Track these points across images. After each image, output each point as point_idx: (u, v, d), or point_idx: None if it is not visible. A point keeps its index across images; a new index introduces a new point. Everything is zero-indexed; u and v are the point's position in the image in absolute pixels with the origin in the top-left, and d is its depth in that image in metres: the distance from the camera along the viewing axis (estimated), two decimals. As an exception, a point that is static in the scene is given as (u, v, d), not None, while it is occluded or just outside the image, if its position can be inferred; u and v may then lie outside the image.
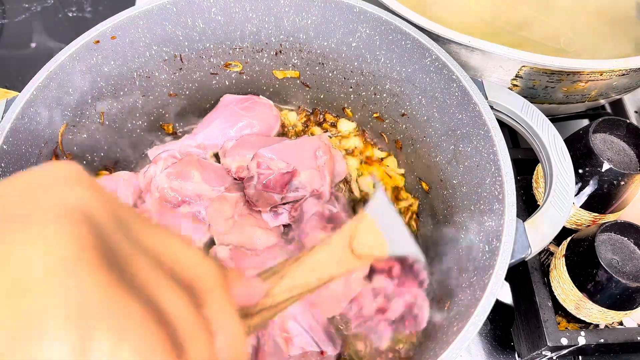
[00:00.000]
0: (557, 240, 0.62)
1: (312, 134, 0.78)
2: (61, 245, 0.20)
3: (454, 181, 0.63)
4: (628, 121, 0.64)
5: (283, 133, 0.78)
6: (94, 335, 0.19)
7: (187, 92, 0.74)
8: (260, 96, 0.77)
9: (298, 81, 0.76)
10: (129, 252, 0.23)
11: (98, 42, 0.62)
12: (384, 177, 0.75)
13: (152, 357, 0.20)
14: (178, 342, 0.22)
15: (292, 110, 0.80)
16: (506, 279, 0.48)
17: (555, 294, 0.62)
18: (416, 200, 0.73)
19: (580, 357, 0.64)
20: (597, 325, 0.62)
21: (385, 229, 0.48)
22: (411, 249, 0.50)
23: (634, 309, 0.58)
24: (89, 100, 0.64)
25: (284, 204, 0.68)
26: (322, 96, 0.77)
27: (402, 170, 0.75)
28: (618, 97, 0.75)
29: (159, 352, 0.21)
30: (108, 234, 0.22)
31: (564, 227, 0.53)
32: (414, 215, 0.73)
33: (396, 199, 0.74)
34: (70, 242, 0.20)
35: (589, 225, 0.66)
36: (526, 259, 0.51)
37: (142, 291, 0.22)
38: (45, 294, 0.19)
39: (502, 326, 0.70)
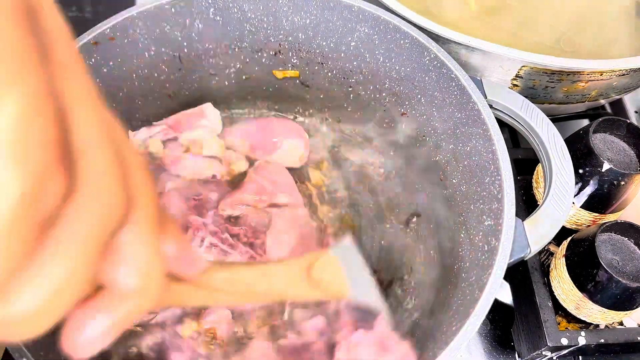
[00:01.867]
0: (557, 240, 0.62)
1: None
2: None
3: (454, 180, 0.63)
4: (628, 121, 0.64)
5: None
6: None
7: (187, 93, 0.74)
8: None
9: (297, 81, 0.76)
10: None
11: (96, 43, 0.62)
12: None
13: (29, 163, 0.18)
14: (71, 172, 0.20)
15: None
16: (506, 279, 0.48)
17: (556, 294, 0.62)
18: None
19: (580, 357, 0.63)
20: (597, 326, 0.62)
21: (349, 274, 0.47)
22: (373, 299, 0.49)
23: (635, 309, 0.57)
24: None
25: None
26: (321, 96, 0.77)
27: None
28: (618, 97, 0.74)
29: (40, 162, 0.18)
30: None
31: (564, 227, 0.53)
32: (414, 216, 0.72)
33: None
34: None
35: (589, 225, 0.66)
36: (525, 259, 0.51)
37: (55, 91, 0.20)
38: None
39: (502, 326, 0.69)
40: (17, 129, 0.17)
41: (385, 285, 0.66)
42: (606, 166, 0.60)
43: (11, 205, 0.17)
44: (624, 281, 0.55)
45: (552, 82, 0.66)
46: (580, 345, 0.59)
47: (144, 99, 0.70)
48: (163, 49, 0.68)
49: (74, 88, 0.21)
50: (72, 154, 0.20)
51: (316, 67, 0.73)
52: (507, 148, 0.55)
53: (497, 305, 0.47)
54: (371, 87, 0.71)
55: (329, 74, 0.73)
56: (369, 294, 0.49)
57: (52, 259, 0.19)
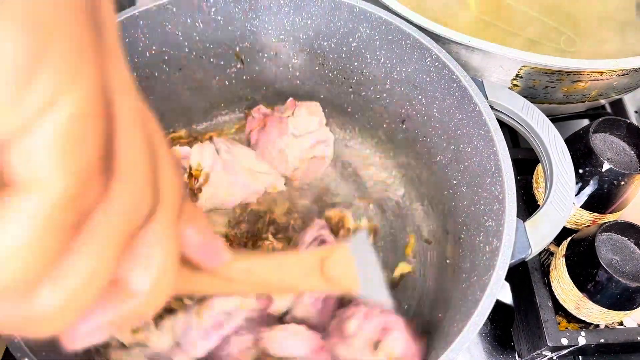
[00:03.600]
0: (557, 241, 0.62)
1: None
2: None
3: (454, 181, 0.63)
4: (628, 121, 0.64)
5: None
6: (43, 64, 0.16)
7: (188, 93, 0.74)
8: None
9: (297, 81, 0.76)
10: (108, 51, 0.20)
11: (98, 42, 0.61)
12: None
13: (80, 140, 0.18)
14: (110, 170, 0.20)
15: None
16: (506, 279, 0.48)
17: (556, 294, 0.62)
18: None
19: (580, 357, 0.64)
20: (597, 326, 0.62)
21: (361, 269, 0.48)
22: (382, 296, 0.49)
23: (634, 309, 0.58)
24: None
25: None
26: (322, 96, 0.77)
27: (402, 170, 0.75)
28: (618, 97, 0.75)
29: (86, 152, 0.18)
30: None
31: (564, 227, 0.53)
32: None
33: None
34: None
35: (589, 225, 0.66)
36: (526, 259, 0.51)
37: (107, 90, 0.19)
38: None
39: (502, 326, 0.70)
40: (71, 128, 0.17)
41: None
42: (606, 166, 0.61)
43: (53, 204, 0.17)
44: (623, 281, 0.55)
45: (552, 82, 0.66)
46: (580, 345, 0.60)
47: (144, 99, 0.70)
48: (164, 49, 0.68)
49: (117, 77, 0.20)
50: (112, 148, 0.20)
51: (317, 68, 0.73)
52: (507, 148, 0.55)
53: (497, 305, 0.47)
54: (372, 88, 0.71)
55: (330, 75, 0.73)
56: (379, 292, 0.49)
57: (79, 258, 0.19)
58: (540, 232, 0.51)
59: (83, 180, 0.18)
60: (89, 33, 0.18)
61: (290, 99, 0.73)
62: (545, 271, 0.65)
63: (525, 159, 0.75)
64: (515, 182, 0.53)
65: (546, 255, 0.67)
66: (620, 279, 0.55)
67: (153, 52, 0.67)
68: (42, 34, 0.16)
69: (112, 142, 0.20)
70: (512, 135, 0.81)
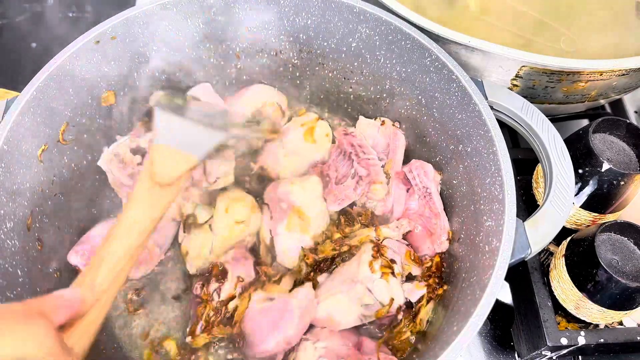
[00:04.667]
0: (557, 240, 0.62)
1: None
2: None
3: (454, 181, 0.63)
4: (628, 121, 0.64)
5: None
6: None
7: (188, 92, 0.74)
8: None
9: (298, 81, 0.76)
10: None
11: (98, 42, 0.62)
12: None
13: None
14: None
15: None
16: (506, 279, 0.48)
17: (555, 293, 0.62)
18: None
19: (580, 356, 0.64)
20: (597, 325, 0.62)
21: (182, 141, 0.50)
22: (218, 137, 0.52)
23: (634, 308, 0.58)
24: (89, 100, 0.64)
25: None
26: (322, 96, 0.77)
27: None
28: (618, 97, 0.75)
29: None
30: None
31: (563, 227, 0.53)
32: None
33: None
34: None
35: (588, 225, 0.66)
36: (526, 259, 0.51)
37: None
38: None
39: (502, 326, 0.70)
40: None
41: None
42: (606, 166, 0.61)
43: None
44: (623, 281, 0.55)
45: (552, 82, 0.66)
46: (579, 345, 0.60)
47: (144, 97, 0.70)
48: (165, 49, 0.68)
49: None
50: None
51: (317, 68, 0.73)
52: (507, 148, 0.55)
53: (497, 305, 0.47)
54: (372, 88, 0.71)
55: (330, 75, 0.73)
56: (212, 139, 0.52)
57: None
58: (540, 231, 0.51)
59: None
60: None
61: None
62: (545, 271, 0.65)
63: (525, 159, 0.75)
64: (515, 182, 0.53)
65: (546, 255, 0.67)
66: (619, 279, 0.55)
67: (153, 52, 0.67)
68: None
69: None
70: (512, 136, 0.81)
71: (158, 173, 0.48)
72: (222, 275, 0.61)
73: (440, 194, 0.66)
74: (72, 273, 0.62)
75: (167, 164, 0.49)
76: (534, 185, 0.70)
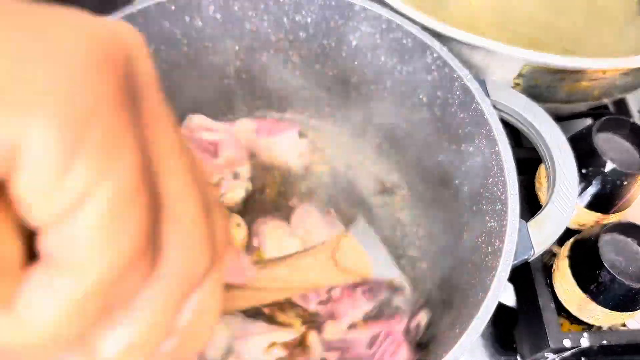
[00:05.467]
0: (560, 241, 0.61)
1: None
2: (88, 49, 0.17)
3: (456, 181, 0.63)
4: (632, 120, 0.64)
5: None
6: (80, 154, 0.16)
7: (186, 92, 0.73)
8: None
9: (297, 80, 0.75)
10: (150, 118, 0.20)
11: (96, 40, 0.61)
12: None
13: (122, 229, 0.17)
14: (157, 242, 0.19)
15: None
16: (508, 280, 0.48)
17: (558, 295, 0.62)
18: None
19: (583, 358, 0.63)
20: (600, 327, 0.62)
21: (369, 253, 0.49)
22: (394, 273, 0.51)
23: (638, 310, 0.57)
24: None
25: None
26: (322, 95, 0.76)
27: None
28: (621, 96, 0.74)
29: (131, 227, 0.18)
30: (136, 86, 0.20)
31: (567, 228, 0.53)
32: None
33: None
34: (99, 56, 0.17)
35: (592, 226, 0.65)
36: (529, 260, 0.51)
37: (151, 166, 0.19)
38: (50, 83, 0.16)
39: (504, 327, 0.69)
40: (112, 212, 0.17)
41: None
42: (609, 166, 0.60)
43: (90, 288, 0.17)
44: (627, 282, 0.54)
45: (555, 81, 0.66)
46: (582, 346, 0.59)
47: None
48: (163, 47, 0.67)
49: (162, 143, 0.21)
50: (160, 213, 0.20)
51: (317, 66, 0.73)
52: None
53: (499, 306, 0.47)
54: (372, 87, 0.71)
55: (330, 73, 0.73)
56: (391, 271, 0.50)
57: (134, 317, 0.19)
58: (543, 232, 0.51)
59: (126, 261, 0.18)
60: (127, 113, 0.18)
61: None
62: (547, 272, 0.64)
63: (528, 159, 0.74)
64: (518, 182, 0.52)
65: (549, 256, 0.67)
66: (623, 280, 0.54)
67: (151, 50, 0.66)
68: (78, 126, 0.16)
69: (161, 214, 0.20)
70: (515, 135, 0.81)
71: (339, 255, 0.47)
72: None
73: (441, 194, 0.66)
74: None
75: (348, 254, 0.48)
76: (537, 185, 0.69)
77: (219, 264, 0.23)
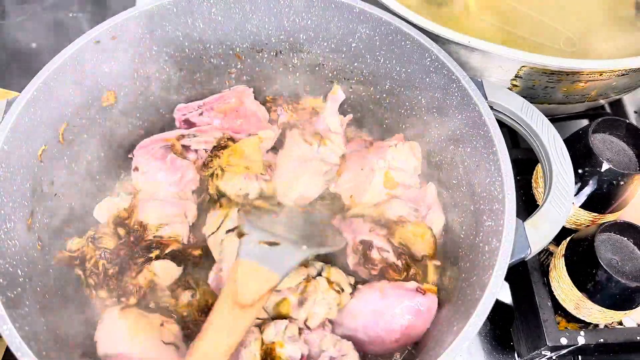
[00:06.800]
0: (557, 240, 0.62)
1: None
2: None
3: (454, 181, 0.63)
4: (627, 121, 0.64)
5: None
6: None
7: (187, 93, 0.74)
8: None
9: (298, 81, 0.76)
10: None
11: (98, 42, 0.62)
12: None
13: None
14: None
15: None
16: (506, 279, 0.48)
17: (555, 293, 0.62)
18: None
19: (579, 356, 0.64)
20: (596, 325, 0.62)
21: (267, 257, 0.49)
22: (299, 257, 0.51)
23: (634, 308, 0.58)
24: (90, 100, 0.64)
25: None
26: (321, 97, 0.77)
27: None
28: (618, 97, 0.75)
29: None
30: None
31: (563, 227, 0.53)
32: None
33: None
34: None
35: (588, 225, 0.66)
36: (526, 259, 0.51)
37: None
38: None
39: (501, 326, 0.70)
40: None
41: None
42: (605, 166, 0.61)
43: None
44: (623, 281, 0.55)
45: (552, 82, 0.66)
46: (579, 344, 0.60)
47: (144, 98, 0.70)
48: (165, 49, 0.68)
49: None
50: None
51: (317, 68, 0.73)
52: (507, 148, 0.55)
53: (496, 305, 0.47)
54: (372, 89, 0.71)
55: (330, 75, 0.73)
56: (293, 258, 0.50)
57: None
58: (540, 232, 0.51)
59: None
60: None
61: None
62: (544, 271, 0.65)
63: (525, 159, 0.75)
64: (515, 182, 0.53)
65: (546, 255, 0.67)
66: (619, 279, 0.55)
67: (154, 52, 0.67)
68: None
69: None
70: (512, 136, 0.81)
71: (241, 292, 0.46)
72: None
73: (440, 194, 0.67)
74: (72, 272, 0.62)
75: (251, 282, 0.47)
76: (534, 185, 0.70)
77: None
